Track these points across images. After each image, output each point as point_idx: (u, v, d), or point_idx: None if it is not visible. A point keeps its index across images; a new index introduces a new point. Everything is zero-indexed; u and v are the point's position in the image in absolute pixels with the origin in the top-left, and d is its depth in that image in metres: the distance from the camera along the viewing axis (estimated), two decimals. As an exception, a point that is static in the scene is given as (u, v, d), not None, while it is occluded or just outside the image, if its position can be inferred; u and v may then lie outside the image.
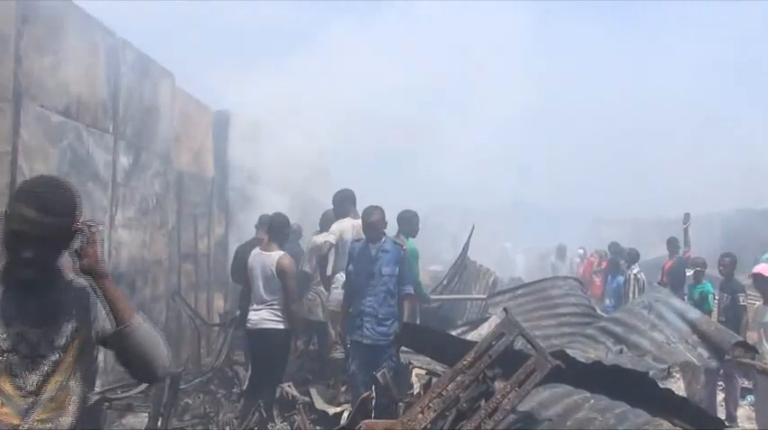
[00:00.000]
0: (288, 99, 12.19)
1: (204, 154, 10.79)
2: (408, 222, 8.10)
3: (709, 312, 8.47)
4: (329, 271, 7.78)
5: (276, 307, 6.65)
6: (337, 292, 7.47)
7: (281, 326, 6.64)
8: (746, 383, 8.12)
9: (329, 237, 7.59)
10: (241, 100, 12.09)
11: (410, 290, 6.66)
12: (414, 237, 8.11)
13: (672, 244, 11.94)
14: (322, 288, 7.98)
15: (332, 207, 8.03)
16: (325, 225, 8.27)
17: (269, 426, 6.77)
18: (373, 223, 6.54)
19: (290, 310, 6.67)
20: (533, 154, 24.75)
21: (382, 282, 6.46)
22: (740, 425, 7.72)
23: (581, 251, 18.67)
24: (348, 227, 7.58)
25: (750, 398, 8.01)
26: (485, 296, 9.20)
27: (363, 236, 7.19)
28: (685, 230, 11.98)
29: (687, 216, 11.97)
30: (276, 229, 6.90)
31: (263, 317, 6.64)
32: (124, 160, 7.61)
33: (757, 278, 6.85)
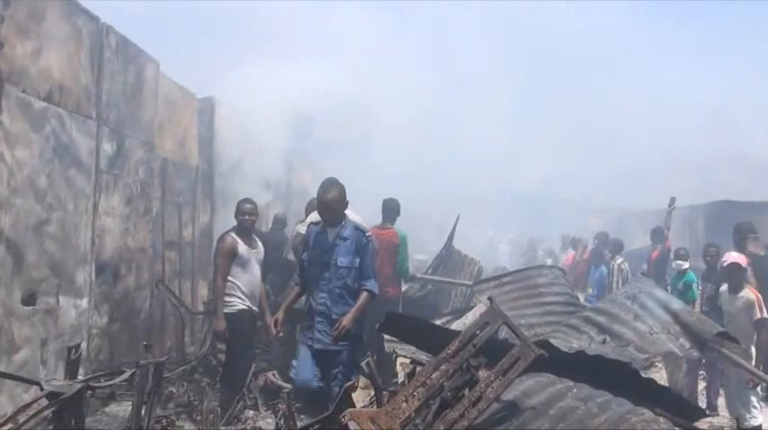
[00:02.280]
0: (273, 87, 12.13)
1: (189, 141, 10.71)
2: (394, 210, 8.15)
3: (693, 301, 8.55)
4: None
5: (227, 291, 6.67)
6: None
7: (227, 310, 6.65)
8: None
9: (302, 228, 7.62)
10: (227, 87, 12.02)
11: (371, 286, 5.62)
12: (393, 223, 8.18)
13: (657, 233, 12.01)
14: None
15: (314, 196, 8.03)
16: (310, 213, 8.28)
17: (253, 415, 6.78)
18: (329, 203, 5.54)
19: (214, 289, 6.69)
20: (519, 143, 24.75)
21: (338, 275, 5.48)
22: (720, 414, 7.81)
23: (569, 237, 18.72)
24: None
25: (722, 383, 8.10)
26: (470, 282, 9.25)
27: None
28: (669, 214, 12.04)
29: (673, 200, 12.02)
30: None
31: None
32: (107, 147, 7.54)
33: (733, 267, 6.90)
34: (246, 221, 6.86)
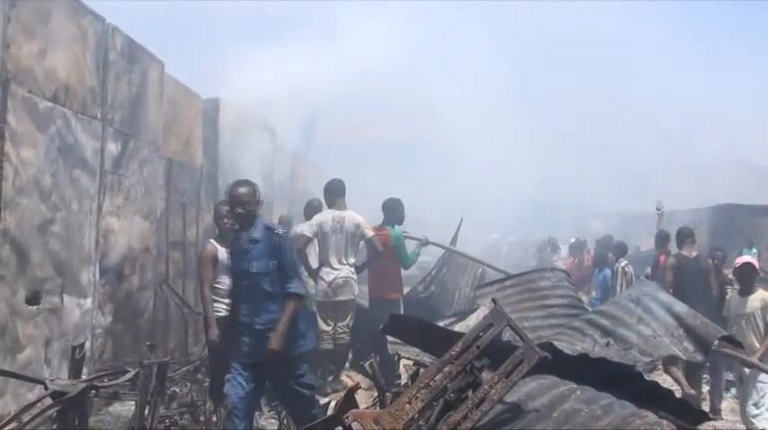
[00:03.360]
0: (279, 88, 12.14)
1: (193, 142, 10.73)
2: (393, 210, 8.17)
3: None
4: (315, 263, 7.81)
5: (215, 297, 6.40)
6: (321, 283, 7.51)
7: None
8: (731, 376, 8.20)
9: (306, 229, 7.62)
10: (231, 88, 12.03)
11: (295, 288, 5.19)
12: (399, 224, 8.18)
13: (661, 238, 11.99)
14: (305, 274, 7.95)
15: (315, 197, 8.07)
16: (309, 214, 8.31)
17: (256, 415, 6.78)
18: (240, 197, 5.14)
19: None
20: (521, 145, 24.74)
21: (255, 281, 5.10)
22: (724, 417, 7.80)
23: (573, 241, 18.70)
24: (328, 218, 7.61)
25: (734, 391, 8.09)
26: (481, 260, 9.24)
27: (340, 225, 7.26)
28: (659, 217, 12.03)
29: (660, 202, 12.02)
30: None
31: None
32: (112, 147, 7.56)
33: (748, 268, 6.88)
34: (224, 225, 6.53)
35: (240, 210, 5.11)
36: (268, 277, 5.08)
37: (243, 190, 5.13)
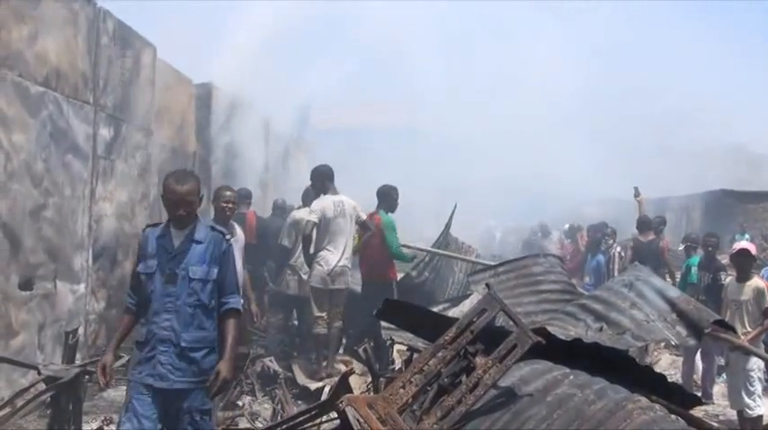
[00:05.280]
0: (272, 72, 12.10)
1: (186, 127, 10.69)
2: (388, 197, 8.15)
3: (691, 283, 8.56)
4: (311, 249, 7.80)
5: None
6: (320, 270, 7.50)
7: None
8: (722, 361, 8.26)
9: (312, 216, 7.56)
10: (224, 72, 11.97)
11: (235, 303, 4.31)
12: (392, 212, 8.18)
13: (642, 222, 12.10)
14: (302, 260, 7.94)
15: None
16: (307, 200, 8.28)
17: (250, 400, 6.80)
18: (186, 196, 4.15)
19: None
20: (515, 131, 24.72)
21: (189, 289, 4.13)
22: (715, 402, 7.85)
23: (566, 227, 18.74)
24: (329, 204, 7.58)
25: (725, 376, 8.15)
26: (473, 259, 9.24)
27: (337, 212, 7.24)
28: (640, 204, 12.09)
29: (636, 189, 12.09)
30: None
31: None
32: (104, 132, 7.52)
33: (743, 253, 6.91)
34: (226, 209, 6.33)
35: (183, 212, 4.15)
36: (206, 286, 4.16)
37: (188, 187, 4.15)
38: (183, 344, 4.08)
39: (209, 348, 4.16)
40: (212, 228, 4.32)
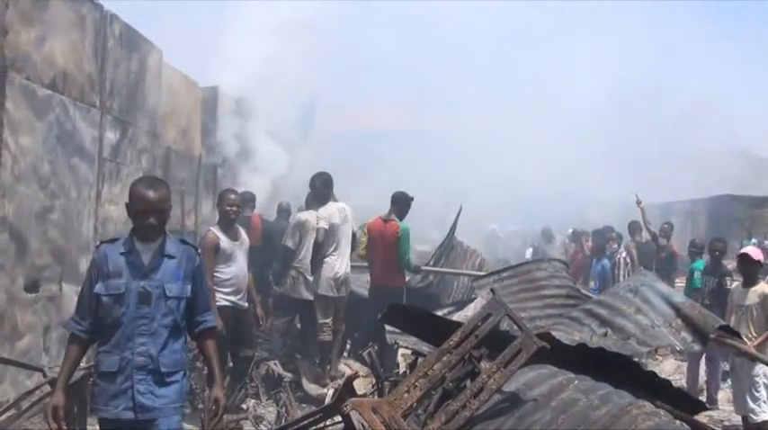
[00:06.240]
0: (275, 75, 12.12)
1: (192, 130, 10.72)
2: (404, 204, 8.12)
3: (695, 289, 8.55)
4: (305, 256, 7.81)
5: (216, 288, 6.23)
6: (327, 277, 7.50)
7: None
8: (727, 367, 8.24)
9: (322, 223, 7.53)
10: (230, 76, 12.00)
11: (212, 320, 3.97)
12: (402, 219, 8.16)
13: (632, 228, 12.19)
14: (308, 262, 7.88)
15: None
16: (311, 204, 8.27)
17: (255, 403, 6.81)
18: (155, 203, 3.70)
19: None
20: (520, 134, 24.69)
21: (166, 308, 3.70)
22: (720, 407, 7.83)
23: (570, 231, 18.68)
24: (335, 211, 7.61)
25: (730, 381, 8.13)
26: (475, 272, 9.20)
27: (335, 220, 7.30)
28: (642, 211, 12.05)
29: (638, 196, 12.03)
30: None
31: None
32: (111, 135, 7.55)
33: (744, 259, 6.89)
34: (231, 212, 6.36)
35: (154, 220, 3.71)
36: (180, 305, 3.76)
37: (160, 193, 3.73)
38: (162, 370, 3.66)
39: (183, 371, 3.81)
40: (183, 242, 3.97)
